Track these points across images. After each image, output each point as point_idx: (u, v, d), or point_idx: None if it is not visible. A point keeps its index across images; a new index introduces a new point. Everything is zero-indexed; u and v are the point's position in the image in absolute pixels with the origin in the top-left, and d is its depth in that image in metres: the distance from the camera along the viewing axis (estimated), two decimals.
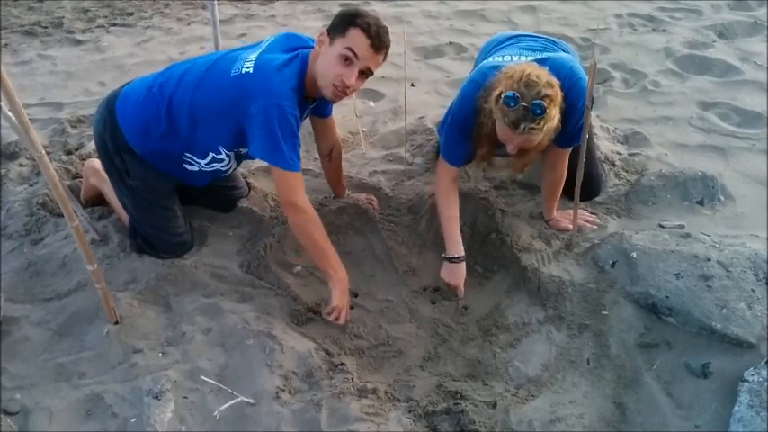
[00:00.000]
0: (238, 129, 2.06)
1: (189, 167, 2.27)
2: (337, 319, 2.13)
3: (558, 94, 1.90)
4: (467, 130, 2.18)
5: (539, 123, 1.86)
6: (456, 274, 2.27)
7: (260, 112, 1.95)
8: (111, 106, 2.21)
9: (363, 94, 3.67)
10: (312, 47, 2.14)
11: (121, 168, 2.24)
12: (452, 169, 2.29)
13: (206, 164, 2.24)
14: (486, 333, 2.16)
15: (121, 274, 2.30)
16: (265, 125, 1.95)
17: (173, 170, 2.28)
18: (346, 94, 2.08)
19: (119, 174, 2.26)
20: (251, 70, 1.99)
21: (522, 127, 1.87)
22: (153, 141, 2.18)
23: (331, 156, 2.55)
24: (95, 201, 2.64)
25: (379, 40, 2.00)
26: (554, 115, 1.90)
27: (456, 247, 2.27)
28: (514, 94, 1.85)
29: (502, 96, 1.88)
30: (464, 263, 2.27)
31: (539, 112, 1.83)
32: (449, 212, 2.30)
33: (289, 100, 1.97)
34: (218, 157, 2.21)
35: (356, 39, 1.99)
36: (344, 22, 2.00)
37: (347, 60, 2.00)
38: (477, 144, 2.19)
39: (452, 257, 2.27)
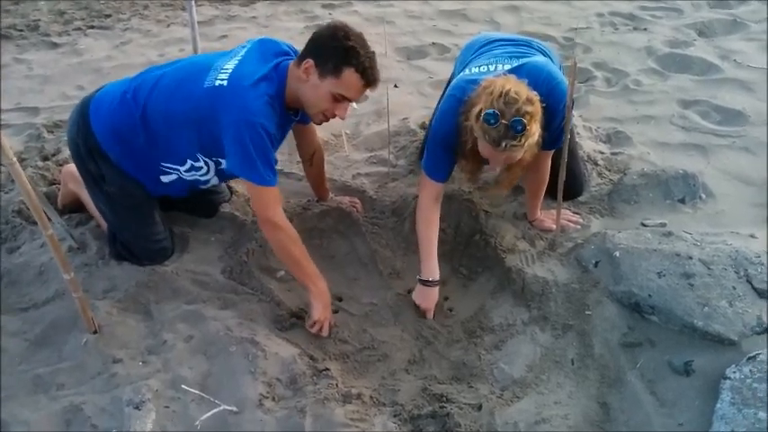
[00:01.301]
0: (213, 138, 2.03)
1: (165, 178, 2.24)
2: (320, 331, 2.12)
3: (538, 109, 1.89)
4: (449, 146, 2.16)
5: (520, 140, 1.85)
6: (428, 298, 2.22)
7: (233, 128, 1.92)
8: (84, 111, 2.18)
9: None
10: (288, 53, 2.12)
11: (96, 174, 2.21)
12: (435, 186, 2.24)
13: (185, 170, 2.21)
14: (471, 335, 2.16)
15: (100, 282, 2.26)
16: (239, 141, 1.92)
17: (147, 181, 2.24)
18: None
19: (94, 180, 2.23)
20: (225, 83, 1.96)
21: (504, 144, 1.86)
22: (127, 148, 2.15)
23: (312, 160, 2.53)
24: (74, 207, 2.59)
25: (373, 78, 1.98)
26: (535, 131, 1.89)
27: (431, 270, 2.21)
28: (494, 111, 1.84)
29: (482, 114, 1.86)
30: (437, 287, 2.22)
31: (519, 129, 1.83)
32: (428, 234, 2.24)
33: (263, 116, 1.93)
34: (196, 164, 2.18)
35: (351, 82, 1.96)
36: (338, 60, 1.93)
37: (340, 99, 2.00)
38: (463, 161, 2.18)
39: (426, 281, 2.21)
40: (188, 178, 2.24)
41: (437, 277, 2.21)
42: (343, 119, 2.09)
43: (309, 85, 2.00)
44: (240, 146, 1.93)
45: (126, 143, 2.14)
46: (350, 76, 1.94)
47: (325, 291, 2.14)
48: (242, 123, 1.91)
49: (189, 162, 2.17)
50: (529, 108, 1.85)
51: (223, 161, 2.15)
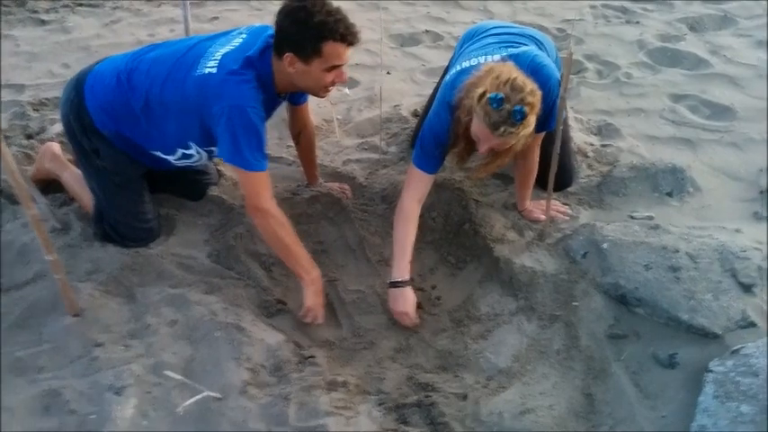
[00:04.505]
0: (206, 127, 2.02)
1: (158, 154, 2.23)
2: (314, 319, 2.11)
3: (538, 103, 1.92)
4: (440, 142, 2.16)
5: (517, 128, 1.88)
6: (402, 301, 2.12)
7: (222, 114, 1.92)
8: (79, 88, 2.15)
9: None
10: None
11: (90, 149, 2.19)
12: (423, 179, 2.21)
13: (175, 159, 2.21)
14: (458, 324, 2.16)
15: (83, 263, 2.22)
16: (227, 127, 1.92)
17: (141, 156, 2.23)
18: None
19: (86, 155, 2.21)
20: (214, 70, 1.95)
21: (502, 129, 1.87)
22: (122, 128, 2.14)
23: (300, 138, 2.52)
24: (41, 185, 2.53)
25: (353, 36, 1.95)
26: (531, 123, 1.92)
27: (402, 271, 2.13)
28: (501, 95, 1.85)
29: (486, 95, 1.87)
30: (410, 288, 2.14)
31: (519, 117, 1.85)
32: (405, 234, 2.18)
33: (252, 100, 1.93)
34: (187, 152, 2.18)
35: (335, 52, 1.93)
36: (314, 41, 1.91)
37: (334, 68, 1.98)
38: (453, 142, 2.17)
39: (396, 282, 2.13)
40: (179, 164, 2.25)
41: (406, 277, 2.14)
42: (345, 81, 2.09)
43: (300, 74, 1.99)
44: (229, 132, 1.92)
45: (120, 124, 2.13)
46: (331, 47, 1.92)
47: (317, 278, 2.12)
48: (231, 108, 1.91)
49: (180, 151, 2.17)
50: (531, 99, 1.88)
51: (215, 149, 2.14)
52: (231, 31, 2.15)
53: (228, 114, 1.91)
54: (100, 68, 2.18)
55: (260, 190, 2.02)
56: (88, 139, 2.17)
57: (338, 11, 1.93)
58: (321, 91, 2.07)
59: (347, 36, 1.92)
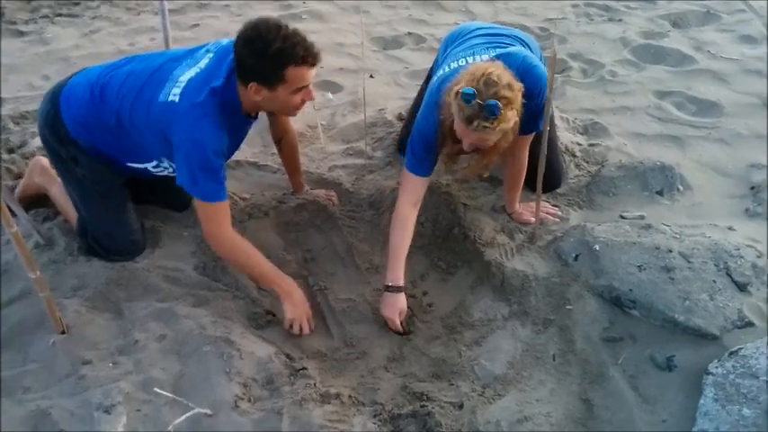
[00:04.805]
0: (171, 148, 2.01)
1: (135, 165, 2.21)
2: (301, 331, 2.08)
3: (517, 97, 1.89)
4: (430, 146, 2.14)
5: (492, 123, 1.85)
6: (391, 306, 2.11)
7: (180, 147, 1.94)
8: (55, 100, 2.15)
9: (322, 87, 3.58)
10: None
11: (68, 157, 2.17)
12: (417, 183, 2.19)
13: (152, 167, 2.20)
14: (450, 331, 2.13)
15: (68, 279, 2.18)
16: (184, 159, 1.95)
17: (119, 166, 2.22)
18: None
19: (65, 164, 2.19)
20: (177, 98, 1.94)
21: (476, 124, 1.85)
22: (97, 140, 2.13)
23: (282, 144, 2.50)
24: (31, 200, 2.51)
25: (313, 58, 1.92)
26: (510, 117, 1.88)
27: (396, 276, 2.13)
28: (472, 90, 1.84)
29: (460, 92, 1.86)
30: (402, 294, 2.13)
31: (493, 111, 1.82)
32: (401, 240, 2.16)
33: (211, 134, 1.93)
34: (161, 165, 2.17)
35: (299, 75, 1.91)
36: (275, 69, 1.89)
37: (300, 89, 1.97)
38: (441, 142, 2.15)
39: (389, 286, 2.12)
40: (156, 173, 2.23)
41: (400, 283, 2.13)
42: (313, 99, 2.07)
43: (267, 100, 1.99)
44: (185, 162, 1.95)
45: (95, 136, 2.13)
46: (293, 71, 1.90)
47: (291, 290, 2.10)
48: (188, 142, 1.92)
49: (155, 161, 2.17)
50: (507, 93, 1.85)
51: None
52: (199, 48, 2.13)
53: (186, 149, 1.93)
54: (75, 81, 2.17)
55: (218, 219, 2.04)
56: (65, 148, 2.16)
57: (295, 33, 1.90)
58: (291, 112, 2.08)
59: (308, 58, 1.90)
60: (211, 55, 2.06)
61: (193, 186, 1.97)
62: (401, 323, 2.11)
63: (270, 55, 1.86)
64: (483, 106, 1.82)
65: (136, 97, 2.02)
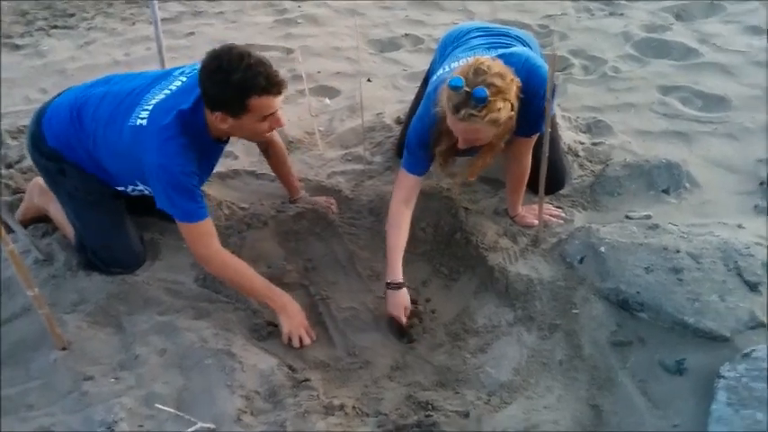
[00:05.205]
0: (143, 172, 2.02)
1: (117, 188, 2.24)
2: (302, 343, 2.06)
3: (509, 87, 1.86)
4: (426, 146, 2.13)
5: (480, 111, 1.82)
6: (394, 303, 2.11)
7: (151, 171, 1.95)
8: (39, 122, 2.19)
9: (319, 92, 3.55)
10: None
11: (56, 170, 2.18)
12: (411, 181, 2.17)
13: (130, 190, 2.21)
14: (454, 338, 2.09)
15: (68, 294, 2.18)
16: (158, 182, 1.96)
17: (103, 183, 2.24)
18: None
19: (55, 178, 2.21)
20: (144, 122, 1.96)
21: (463, 112, 1.83)
22: (79, 159, 2.16)
23: (269, 153, 2.49)
24: (32, 222, 2.51)
25: (277, 87, 1.90)
26: (500, 107, 1.85)
27: (395, 273, 2.13)
28: (460, 78, 1.83)
29: (449, 81, 1.86)
30: (404, 290, 2.12)
31: (480, 98, 1.79)
32: (396, 239, 2.16)
33: (178, 157, 1.93)
34: (138, 188, 2.17)
35: (263, 105, 1.90)
36: (239, 100, 1.88)
37: (268, 116, 1.95)
38: (437, 139, 2.12)
39: (388, 283, 2.13)
40: (135, 195, 2.24)
41: (400, 279, 2.12)
42: (283, 126, 2.06)
43: (234, 128, 1.99)
44: (159, 185, 1.96)
45: (79, 157, 2.16)
46: (257, 101, 1.89)
47: (285, 302, 2.08)
48: (158, 167, 1.94)
49: (131, 187, 2.18)
50: (497, 81, 1.83)
51: None
52: (174, 70, 2.14)
53: (156, 173, 1.94)
54: (57, 102, 2.20)
55: (203, 239, 2.03)
56: (52, 162, 2.18)
57: (257, 62, 1.87)
58: (260, 138, 2.10)
59: (270, 88, 1.89)
60: (184, 78, 2.07)
61: (172, 208, 1.97)
62: (406, 326, 2.10)
63: (231, 85, 1.85)
64: (470, 94, 1.81)
65: (108, 121, 2.05)
